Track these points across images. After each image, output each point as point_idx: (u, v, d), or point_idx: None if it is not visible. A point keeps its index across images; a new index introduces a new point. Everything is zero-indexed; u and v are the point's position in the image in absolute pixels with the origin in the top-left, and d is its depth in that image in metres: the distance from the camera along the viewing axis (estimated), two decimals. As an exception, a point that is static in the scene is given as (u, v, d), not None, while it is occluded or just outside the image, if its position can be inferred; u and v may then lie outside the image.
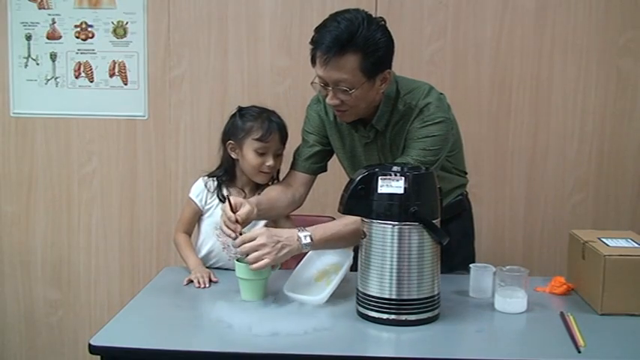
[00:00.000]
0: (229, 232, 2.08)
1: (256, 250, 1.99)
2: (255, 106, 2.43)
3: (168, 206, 3.39)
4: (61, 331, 3.53)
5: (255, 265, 1.99)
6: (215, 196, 2.41)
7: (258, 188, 2.42)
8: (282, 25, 3.25)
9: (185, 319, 1.97)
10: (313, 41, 2.07)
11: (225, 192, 2.39)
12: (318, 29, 2.07)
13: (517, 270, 2.01)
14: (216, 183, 2.42)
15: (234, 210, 2.09)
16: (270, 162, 2.35)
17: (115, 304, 3.39)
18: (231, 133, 2.39)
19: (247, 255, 2.01)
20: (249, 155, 2.34)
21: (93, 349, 1.73)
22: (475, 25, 3.19)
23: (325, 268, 2.16)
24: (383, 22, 2.10)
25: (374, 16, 2.10)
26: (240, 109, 2.42)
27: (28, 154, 3.44)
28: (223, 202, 2.31)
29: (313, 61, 2.09)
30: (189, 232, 2.44)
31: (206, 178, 2.44)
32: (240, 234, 2.06)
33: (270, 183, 2.43)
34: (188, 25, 3.30)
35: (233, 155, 2.39)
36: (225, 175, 2.42)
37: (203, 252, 2.40)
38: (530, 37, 3.17)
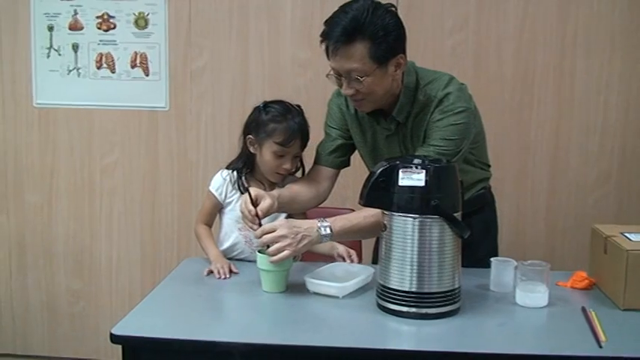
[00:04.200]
0: (250, 224, 2.09)
1: (277, 242, 2.00)
2: (281, 102, 2.38)
3: (189, 197, 3.40)
4: (82, 321, 3.57)
5: (275, 257, 1.99)
6: (236, 189, 2.39)
7: (275, 183, 2.41)
8: (303, 16, 3.25)
9: (206, 309, 1.98)
10: (323, 34, 2.08)
11: (245, 184, 2.38)
12: (327, 22, 2.08)
13: (538, 264, 2.00)
14: (235, 175, 2.40)
15: (254, 203, 2.09)
16: (287, 165, 2.33)
17: (136, 294, 3.41)
18: (253, 128, 2.36)
19: (268, 246, 2.01)
20: (267, 156, 2.33)
21: (114, 339, 1.74)
22: (497, 17, 3.17)
23: (349, 269, 2.16)
24: (392, 8, 2.10)
25: (389, 5, 2.10)
26: (265, 105, 2.37)
27: (50, 144, 3.47)
28: (244, 193, 2.31)
29: (328, 54, 2.10)
30: (209, 224, 2.44)
31: (226, 171, 2.42)
32: (260, 226, 2.07)
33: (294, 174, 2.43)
34: (209, 16, 3.30)
35: (251, 149, 2.37)
36: (245, 166, 2.40)
37: (225, 245, 2.40)
38: (553, 29, 3.15)
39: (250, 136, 2.36)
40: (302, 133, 2.33)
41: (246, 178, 2.39)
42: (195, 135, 3.39)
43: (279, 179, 2.38)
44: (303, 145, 2.36)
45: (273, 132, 2.30)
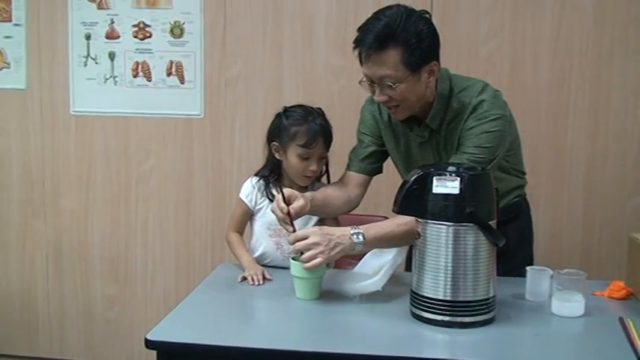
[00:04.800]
0: (283, 224, 2.10)
1: (309, 249, 2.00)
2: (301, 106, 2.39)
3: (223, 204, 3.42)
4: (117, 326, 3.60)
5: (308, 264, 1.99)
6: (265, 196, 2.40)
7: (305, 187, 2.40)
8: (337, 24, 3.25)
9: (240, 315, 1.99)
10: (356, 40, 2.08)
11: (273, 191, 2.37)
12: (360, 28, 2.08)
13: (575, 273, 1.97)
14: (264, 183, 2.41)
15: (287, 202, 2.10)
16: (313, 167, 2.33)
17: (170, 299, 3.44)
18: (276, 134, 2.37)
19: (302, 253, 2.01)
20: (292, 159, 2.33)
21: (149, 344, 1.76)
22: (533, 23, 3.14)
23: (381, 263, 2.14)
24: (426, 15, 2.09)
25: (423, 12, 2.10)
26: (286, 110, 2.39)
27: (87, 151, 3.52)
28: (272, 201, 2.31)
29: (360, 61, 2.10)
30: (240, 231, 2.45)
31: (255, 178, 2.43)
32: (292, 226, 2.07)
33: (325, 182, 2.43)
34: (244, 25, 3.33)
35: (277, 156, 2.38)
36: (272, 174, 2.41)
37: (257, 252, 2.40)
38: (589, 34, 3.11)
39: (275, 142, 2.37)
40: (324, 134, 2.33)
41: (274, 186, 2.39)
42: (229, 142, 3.41)
43: (307, 182, 2.39)
44: (327, 146, 2.35)
45: (295, 135, 2.31)
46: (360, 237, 2.03)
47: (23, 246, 3.62)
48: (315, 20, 3.28)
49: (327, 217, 2.38)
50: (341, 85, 3.26)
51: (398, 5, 2.08)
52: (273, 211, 2.15)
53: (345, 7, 3.23)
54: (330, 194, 2.31)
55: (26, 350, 3.68)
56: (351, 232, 2.04)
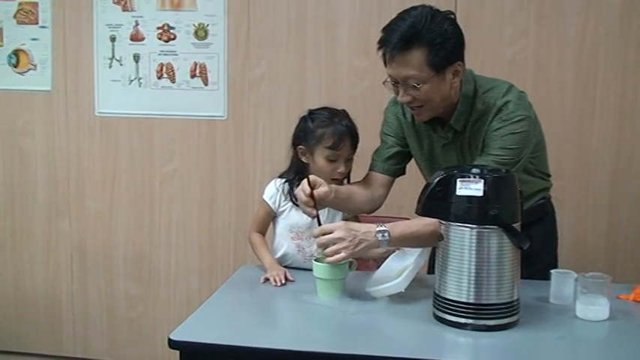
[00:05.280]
0: (308, 210, 2.09)
1: (334, 244, 1.99)
2: (326, 109, 2.40)
3: (246, 205, 3.43)
4: (140, 326, 3.62)
5: (331, 259, 1.98)
6: (288, 199, 2.40)
7: None
8: (360, 26, 3.25)
9: (262, 316, 2.00)
10: (381, 40, 2.08)
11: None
12: (385, 29, 2.08)
13: (599, 276, 1.95)
14: (288, 186, 2.41)
15: (311, 185, 2.09)
16: (341, 168, 2.33)
17: (193, 300, 3.45)
18: (302, 137, 2.37)
19: (324, 249, 2.01)
20: (320, 162, 2.33)
21: (173, 344, 1.77)
22: (558, 25, 3.11)
23: (405, 265, 2.13)
24: (451, 15, 2.08)
25: (448, 12, 2.10)
26: (311, 113, 2.39)
27: (111, 152, 3.55)
28: (295, 204, 2.33)
29: (385, 61, 2.09)
30: (263, 232, 2.45)
31: (279, 180, 2.44)
32: (315, 210, 2.07)
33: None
34: (267, 26, 3.34)
35: (304, 159, 2.38)
36: (297, 177, 2.39)
37: (278, 254, 2.40)
38: (615, 36, 3.08)
39: (301, 146, 2.37)
40: (351, 135, 2.34)
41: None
42: (252, 143, 3.42)
43: (336, 184, 2.38)
44: (354, 147, 2.36)
45: (322, 137, 2.32)
46: (386, 234, 2.02)
47: (48, 246, 3.66)
48: (339, 22, 3.28)
49: (349, 215, 2.38)
50: (364, 86, 3.26)
51: (423, 6, 2.07)
52: (297, 194, 2.14)
53: (369, 8, 3.23)
54: (354, 190, 2.31)
55: (50, 349, 3.71)
56: (377, 229, 2.03)
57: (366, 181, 2.38)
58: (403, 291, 2.01)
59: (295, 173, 2.41)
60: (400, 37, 2.02)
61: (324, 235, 2.01)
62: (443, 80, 2.08)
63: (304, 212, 2.15)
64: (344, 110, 2.39)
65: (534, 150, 2.21)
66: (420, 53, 2.02)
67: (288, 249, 2.39)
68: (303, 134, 2.37)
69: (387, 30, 2.07)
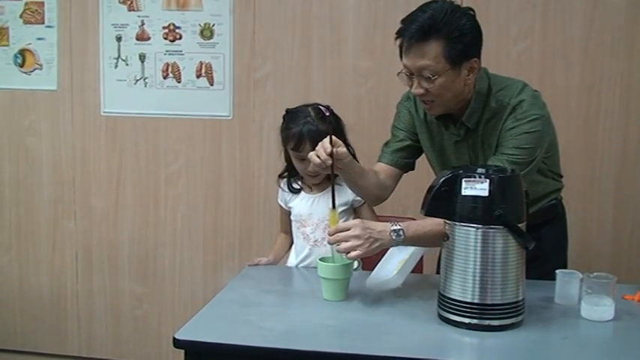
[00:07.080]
0: (319, 161, 2.04)
1: (348, 241, 1.98)
2: (300, 108, 2.45)
3: (251, 204, 3.44)
4: (145, 325, 3.63)
5: (347, 255, 1.98)
6: (289, 192, 2.53)
7: (317, 185, 2.49)
8: (365, 26, 3.25)
9: (267, 316, 1.99)
10: (399, 31, 2.07)
11: (294, 185, 2.52)
12: (404, 20, 2.08)
13: (605, 277, 1.95)
14: (287, 180, 2.54)
15: (332, 144, 2.04)
16: (310, 167, 2.30)
17: (198, 299, 3.46)
18: (281, 137, 2.48)
19: (331, 255, 2.02)
20: (293, 161, 2.45)
21: (177, 343, 1.77)
22: (563, 24, 3.11)
23: (404, 258, 2.14)
24: (470, 12, 2.08)
25: (468, 8, 2.09)
26: (286, 113, 2.48)
27: (117, 151, 3.55)
28: (294, 192, 2.51)
29: (401, 52, 2.09)
30: (287, 232, 2.58)
31: (281, 181, 2.57)
32: (332, 170, 2.05)
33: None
34: (273, 26, 3.34)
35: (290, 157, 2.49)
36: (290, 173, 2.54)
37: (298, 257, 2.49)
38: (621, 35, 3.07)
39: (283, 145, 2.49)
40: (310, 136, 2.34)
41: (294, 181, 2.53)
42: (257, 143, 3.42)
43: (314, 181, 2.48)
44: (314, 146, 2.21)
45: (286, 140, 2.44)
46: (401, 233, 2.01)
47: (53, 245, 3.67)
48: (344, 22, 3.28)
49: (362, 198, 2.40)
50: (369, 86, 3.26)
51: (444, 0, 2.07)
52: (316, 151, 2.07)
53: (374, 8, 3.22)
54: (367, 170, 2.28)
55: (55, 348, 3.73)
56: (392, 228, 2.02)
57: (375, 170, 2.36)
58: (400, 286, 2.03)
59: (286, 170, 2.55)
60: (419, 28, 2.01)
61: (339, 232, 2.00)
62: (458, 75, 2.07)
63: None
64: (324, 106, 2.28)
65: (548, 150, 2.20)
66: (438, 45, 2.01)
67: (298, 243, 2.48)
68: (281, 134, 2.48)
69: (407, 20, 2.06)
